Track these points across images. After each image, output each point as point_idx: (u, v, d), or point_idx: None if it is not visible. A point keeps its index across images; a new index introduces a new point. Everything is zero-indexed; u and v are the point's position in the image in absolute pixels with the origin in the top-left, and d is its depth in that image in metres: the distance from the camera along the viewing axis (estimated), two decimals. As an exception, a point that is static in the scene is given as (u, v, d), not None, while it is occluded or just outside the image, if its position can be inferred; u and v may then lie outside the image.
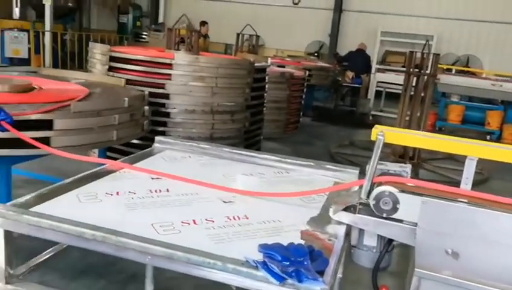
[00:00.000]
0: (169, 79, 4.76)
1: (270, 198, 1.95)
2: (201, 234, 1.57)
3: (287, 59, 10.51)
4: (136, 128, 3.58)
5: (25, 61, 11.30)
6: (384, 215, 1.63)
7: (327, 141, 7.44)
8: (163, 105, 4.71)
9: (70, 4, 13.13)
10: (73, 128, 2.87)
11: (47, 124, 2.70)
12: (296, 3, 13.19)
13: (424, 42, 6.53)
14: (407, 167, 1.88)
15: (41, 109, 2.68)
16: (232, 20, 14.69)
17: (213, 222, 1.67)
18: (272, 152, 4.51)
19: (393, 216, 1.62)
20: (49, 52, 11.55)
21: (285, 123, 7.36)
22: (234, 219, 1.72)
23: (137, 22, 15.37)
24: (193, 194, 1.93)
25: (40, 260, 1.81)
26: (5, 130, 2.42)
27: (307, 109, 8.91)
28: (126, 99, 3.33)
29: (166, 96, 4.77)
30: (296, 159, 2.46)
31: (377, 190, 1.62)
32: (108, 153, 4.35)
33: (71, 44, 12.78)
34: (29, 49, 11.44)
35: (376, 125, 1.75)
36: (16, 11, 12.68)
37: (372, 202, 1.63)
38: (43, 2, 11.38)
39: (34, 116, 2.64)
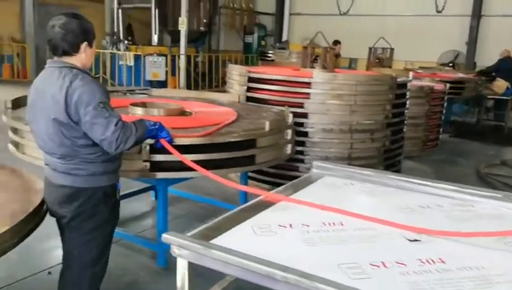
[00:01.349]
0: (308, 98, 4.69)
1: (461, 238, 1.69)
2: (396, 281, 1.38)
3: (419, 71, 9.85)
4: (293, 144, 3.69)
5: (162, 84, 12.24)
6: None
7: (472, 160, 6.70)
8: (300, 124, 4.64)
9: (202, 28, 13.97)
10: (268, 144, 3.13)
11: (210, 147, 2.84)
12: (440, 11, 12.27)
13: None
14: None
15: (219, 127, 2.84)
16: (357, 34, 14.32)
17: (405, 265, 1.47)
18: (411, 172, 4.10)
19: None
20: (184, 73, 12.38)
21: (424, 140, 6.83)
22: (428, 262, 1.50)
23: (261, 41, 15.82)
24: (370, 229, 1.75)
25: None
26: (162, 147, 2.49)
27: (445, 124, 8.20)
28: (290, 115, 3.50)
29: (304, 115, 4.69)
30: (476, 189, 2.14)
31: None
32: (250, 174, 4.40)
33: (202, 65, 13.57)
34: (166, 72, 12.39)
35: None
36: (155, 38, 13.89)
37: None
38: (179, 28, 12.28)
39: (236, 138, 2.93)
